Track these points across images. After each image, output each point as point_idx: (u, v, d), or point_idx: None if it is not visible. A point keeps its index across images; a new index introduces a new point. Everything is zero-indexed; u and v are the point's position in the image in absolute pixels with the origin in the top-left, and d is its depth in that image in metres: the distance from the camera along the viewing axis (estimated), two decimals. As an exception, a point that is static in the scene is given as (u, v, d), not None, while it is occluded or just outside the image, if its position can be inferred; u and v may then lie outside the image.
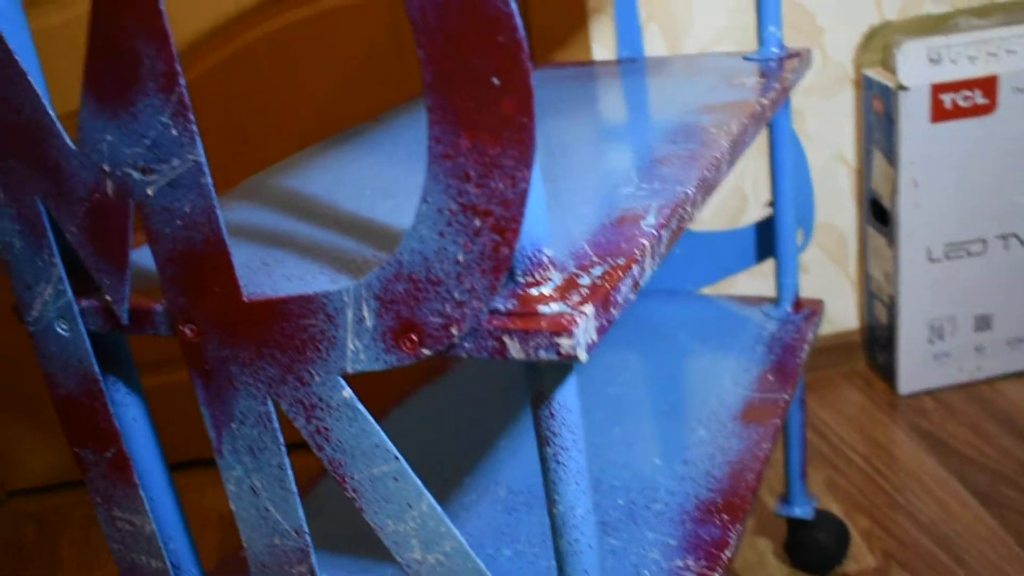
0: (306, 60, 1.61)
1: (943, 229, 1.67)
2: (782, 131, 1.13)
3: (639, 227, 0.64)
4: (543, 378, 0.56)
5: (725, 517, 0.87)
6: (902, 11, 1.66)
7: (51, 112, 0.61)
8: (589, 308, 0.53)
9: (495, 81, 0.47)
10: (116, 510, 0.74)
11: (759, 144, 1.72)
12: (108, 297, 0.64)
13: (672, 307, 1.28)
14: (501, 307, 0.54)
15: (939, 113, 1.58)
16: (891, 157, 1.63)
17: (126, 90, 0.57)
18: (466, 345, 0.54)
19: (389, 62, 1.63)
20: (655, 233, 0.63)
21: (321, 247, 0.69)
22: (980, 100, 1.58)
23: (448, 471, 1.00)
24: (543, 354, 0.52)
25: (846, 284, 1.85)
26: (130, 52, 0.56)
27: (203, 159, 0.57)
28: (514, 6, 0.45)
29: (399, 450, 1.05)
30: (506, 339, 0.53)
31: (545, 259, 0.54)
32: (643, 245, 0.61)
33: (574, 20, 1.56)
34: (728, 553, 0.83)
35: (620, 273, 0.57)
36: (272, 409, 0.63)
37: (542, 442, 0.58)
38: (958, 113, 1.59)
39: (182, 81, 0.55)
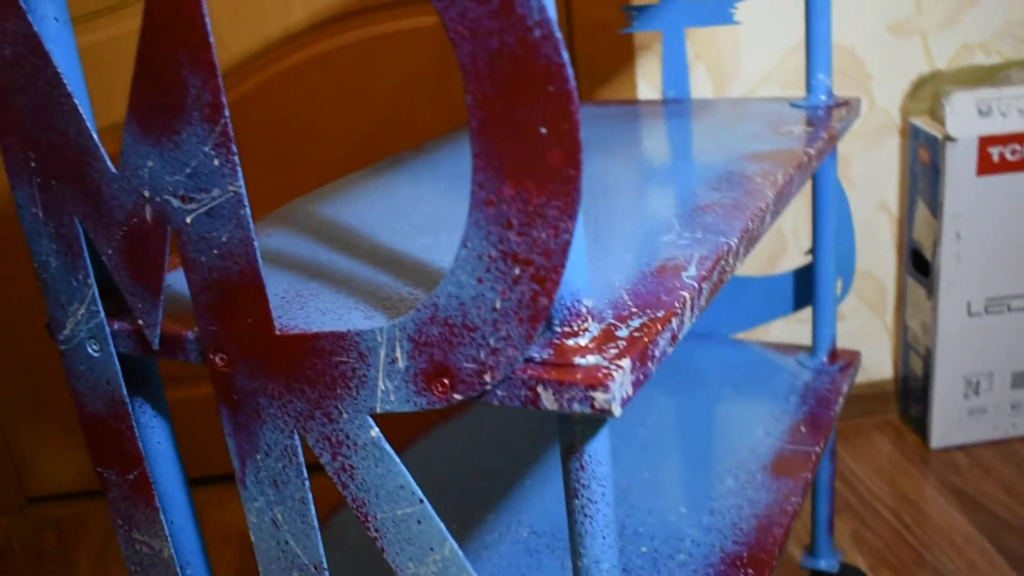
0: (350, 85, 1.61)
1: (984, 283, 1.65)
2: (827, 179, 1.12)
3: (680, 278, 0.63)
4: (575, 429, 0.55)
5: (751, 572, 0.86)
6: (952, 61, 1.64)
7: (95, 135, 0.61)
8: (626, 362, 0.52)
9: (543, 131, 0.46)
10: (136, 532, 0.74)
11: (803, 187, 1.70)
12: (140, 321, 0.64)
13: (705, 351, 1.27)
14: (536, 356, 0.53)
15: (986, 166, 1.56)
16: (935, 208, 1.61)
17: (170, 118, 0.57)
18: (499, 393, 0.53)
19: (434, 90, 1.63)
20: (696, 285, 0.62)
21: (356, 281, 0.69)
22: (1028, 155, 1.57)
23: (471, 507, 0.99)
24: (577, 407, 0.51)
25: (882, 333, 1.83)
26: (176, 81, 0.55)
27: (243, 190, 0.57)
28: (566, 57, 0.44)
29: (421, 481, 1.04)
30: (540, 389, 0.52)
31: (583, 309, 0.53)
32: (683, 297, 0.60)
33: (621, 56, 1.56)
34: (752, 610, 0.82)
35: (659, 326, 0.56)
36: (298, 443, 0.62)
37: (571, 494, 0.57)
38: (1005, 167, 1.57)
39: (226, 112, 0.55)
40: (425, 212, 0.83)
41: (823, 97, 1.08)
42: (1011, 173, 1.58)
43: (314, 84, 1.60)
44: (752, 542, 0.89)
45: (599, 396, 0.51)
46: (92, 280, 0.65)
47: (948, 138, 1.55)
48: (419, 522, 0.60)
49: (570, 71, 0.45)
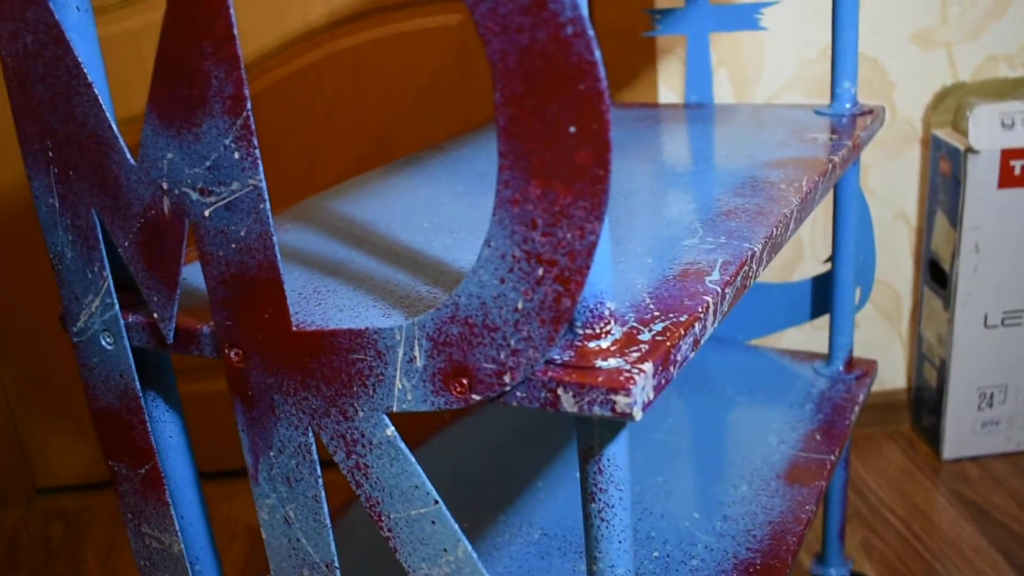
0: (370, 83, 1.60)
1: (1001, 295, 1.64)
2: (849, 188, 1.11)
3: (703, 283, 0.62)
4: (594, 432, 0.54)
5: (764, 581, 0.85)
6: (976, 73, 1.63)
7: (114, 126, 0.60)
8: (648, 366, 0.51)
9: (572, 130, 0.45)
10: (146, 526, 0.73)
11: (819, 195, 1.69)
12: (155, 315, 0.63)
13: (722, 356, 1.26)
14: (557, 358, 0.52)
15: (1007, 179, 1.55)
16: (954, 219, 1.60)
17: (192, 110, 0.56)
18: (518, 394, 0.53)
19: (454, 88, 1.62)
20: (719, 291, 0.61)
21: (375, 279, 0.68)
22: (1050, 168, 1.56)
23: (482, 508, 0.98)
24: (597, 410, 0.51)
25: (897, 343, 1.82)
26: (199, 73, 0.55)
27: (263, 184, 0.56)
28: (598, 55, 0.44)
29: (434, 480, 1.04)
30: (560, 391, 0.51)
31: (606, 312, 0.52)
32: (706, 302, 0.59)
33: (643, 60, 1.55)
34: (765, 620, 0.81)
35: (681, 330, 0.56)
36: (312, 440, 0.61)
37: (587, 498, 0.56)
38: (1026, 179, 1.56)
39: (249, 105, 0.54)
40: (444, 211, 0.83)
41: (848, 105, 1.07)
42: (1032, 185, 1.57)
43: (334, 81, 1.60)
44: (765, 549, 0.89)
45: (620, 400, 0.50)
46: (107, 272, 0.65)
47: (970, 150, 1.53)
48: (433, 523, 0.59)
49: (602, 70, 0.44)
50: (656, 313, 0.58)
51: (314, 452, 0.62)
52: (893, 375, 1.84)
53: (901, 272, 1.76)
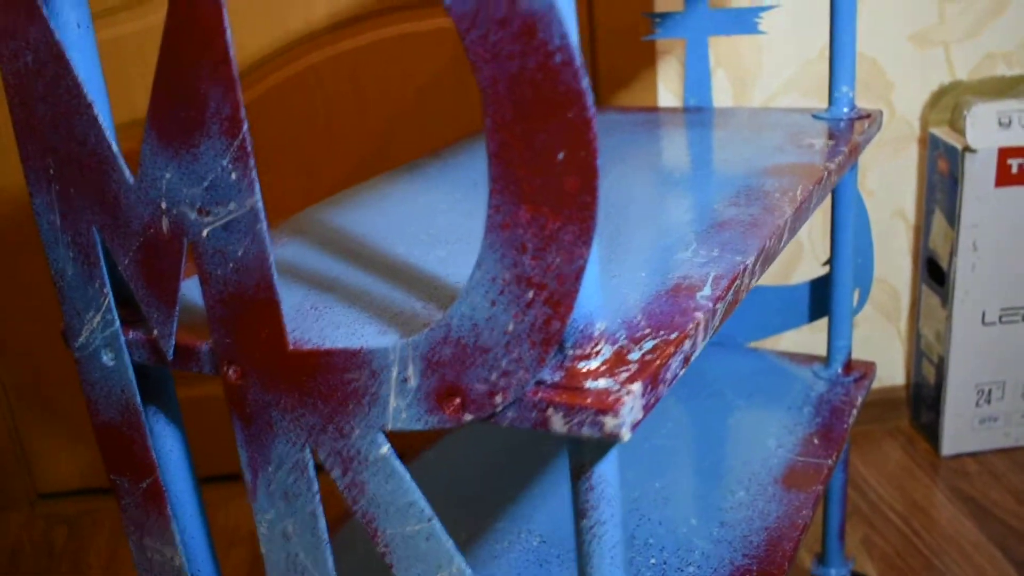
0: (370, 85, 1.61)
1: (999, 293, 1.64)
2: (847, 190, 1.12)
3: (695, 299, 0.63)
4: (584, 450, 0.55)
5: (760, 587, 0.86)
6: (974, 71, 1.63)
7: (114, 145, 0.61)
8: (637, 386, 0.52)
9: (561, 157, 0.46)
10: (147, 539, 0.74)
11: (818, 194, 1.70)
12: (155, 331, 0.64)
13: (720, 359, 1.26)
14: (547, 378, 0.53)
15: (1004, 177, 1.55)
16: (952, 218, 1.60)
17: (189, 131, 0.57)
18: (509, 414, 0.53)
19: (455, 91, 1.63)
20: (710, 306, 0.62)
21: (371, 294, 0.69)
22: (1048, 167, 1.56)
23: (480, 515, 0.99)
24: (586, 431, 0.51)
25: (895, 340, 1.82)
26: (196, 94, 0.55)
27: (260, 205, 0.57)
28: (586, 84, 0.44)
29: (431, 488, 1.04)
30: (550, 412, 0.52)
31: (596, 332, 0.53)
32: (697, 319, 0.60)
33: (643, 62, 1.55)
34: (760, 626, 0.82)
35: (671, 348, 0.56)
36: (309, 457, 0.62)
37: (579, 514, 0.57)
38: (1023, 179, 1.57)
39: (245, 127, 0.55)
40: (441, 221, 0.83)
41: (845, 109, 1.08)
42: (1030, 184, 1.57)
43: (334, 83, 1.60)
44: (762, 555, 0.89)
45: (609, 421, 0.51)
46: (108, 289, 0.66)
47: (968, 149, 1.54)
48: (428, 539, 0.60)
49: (590, 99, 0.44)
50: (647, 330, 0.59)
51: (311, 468, 0.62)
52: (892, 372, 1.85)
53: (899, 270, 1.77)
